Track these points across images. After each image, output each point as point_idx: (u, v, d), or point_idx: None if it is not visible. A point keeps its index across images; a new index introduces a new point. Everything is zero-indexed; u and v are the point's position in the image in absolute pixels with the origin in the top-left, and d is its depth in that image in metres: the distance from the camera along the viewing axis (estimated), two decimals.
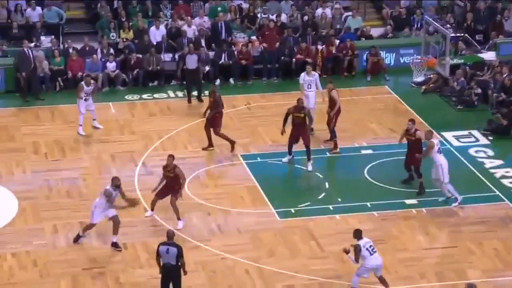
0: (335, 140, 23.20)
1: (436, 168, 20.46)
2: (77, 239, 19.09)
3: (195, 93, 26.49)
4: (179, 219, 19.74)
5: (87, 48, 27.82)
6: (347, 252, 16.85)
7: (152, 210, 20.14)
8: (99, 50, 27.75)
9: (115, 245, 18.90)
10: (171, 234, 16.76)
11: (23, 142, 23.81)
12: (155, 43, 28.30)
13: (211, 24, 29.20)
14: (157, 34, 28.69)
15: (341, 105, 23.41)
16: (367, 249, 16.86)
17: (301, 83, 24.23)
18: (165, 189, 19.85)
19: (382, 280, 17.19)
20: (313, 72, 24.64)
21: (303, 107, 22.35)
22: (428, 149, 20.47)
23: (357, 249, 16.75)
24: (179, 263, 16.41)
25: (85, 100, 23.93)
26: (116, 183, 18.80)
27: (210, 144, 23.23)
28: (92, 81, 24.42)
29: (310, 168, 22.18)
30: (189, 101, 26.30)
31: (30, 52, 26.38)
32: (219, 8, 29.64)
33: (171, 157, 19.81)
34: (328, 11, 30.12)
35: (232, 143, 23.11)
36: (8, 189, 21.32)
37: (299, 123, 22.14)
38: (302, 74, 24.45)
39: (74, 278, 17.67)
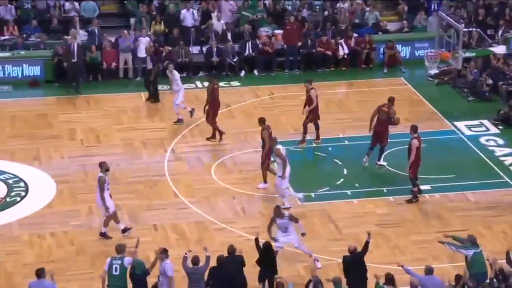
0: (304, 136, 22.84)
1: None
2: (124, 231, 18.72)
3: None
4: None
5: (120, 39, 27.71)
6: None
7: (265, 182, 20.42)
8: (132, 33, 27.60)
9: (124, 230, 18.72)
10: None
11: (61, 129, 23.92)
12: (187, 25, 28.29)
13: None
14: (187, 17, 28.61)
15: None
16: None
17: (176, 79, 23.91)
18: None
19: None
20: (174, 71, 24.07)
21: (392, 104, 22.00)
22: (278, 155, 19.85)
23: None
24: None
25: None
26: (106, 168, 18.55)
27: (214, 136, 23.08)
28: None
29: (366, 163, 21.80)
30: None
31: (75, 47, 26.16)
32: (249, 2, 29.61)
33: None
34: (346, 6, 30.00)
35: (221, 133, 22.91)
36: (47, 173, 21.47)
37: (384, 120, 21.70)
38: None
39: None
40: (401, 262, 15.86)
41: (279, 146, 19.95)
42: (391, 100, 22.00)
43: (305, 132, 22.81)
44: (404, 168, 20.53)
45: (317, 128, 22.86)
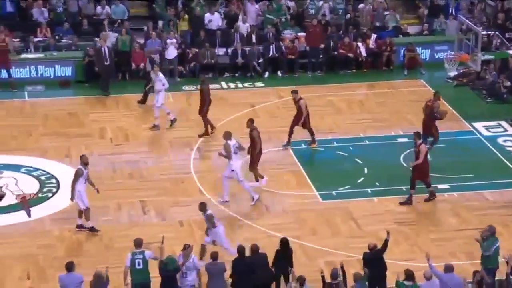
0: (313, 137, 22.73)
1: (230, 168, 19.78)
2: (79, 227, 18.83)
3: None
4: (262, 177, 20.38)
5: (148, 41, 27.79)
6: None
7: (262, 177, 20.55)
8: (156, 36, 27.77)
9: (92, 229, 18.83)
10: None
11: (91, 128, 24.06)
12: (210, 27, 28.45)
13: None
14: (213, 19, 28.71)
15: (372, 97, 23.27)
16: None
17: (160, 79, 23.76)
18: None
19: None
20: (159, 72, 24.03)
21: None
22: (225, 150, 19.66)
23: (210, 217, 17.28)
24: None
25: None
26: (84, 161, 18.64)
27: (207, 132, 23.32)
28: None
29: None
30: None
31: (106, 50, 26.25)
32: (274, 5, 29.63)
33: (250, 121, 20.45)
34: (368, 8, 29.96)
35: (206, 133, 23.20)
36: None
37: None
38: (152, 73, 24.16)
39: None
40: (428, 254, 15.74)
41: (230, 142, 19.87)
42: (435, 94, 22.04)
43: (312, 133, 22.71)
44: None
45: (290, 134, 22.64)
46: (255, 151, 20.54)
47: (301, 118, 22.36)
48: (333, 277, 15.30)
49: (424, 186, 20.14)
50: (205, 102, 23.23)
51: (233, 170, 19.72)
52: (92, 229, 18.84)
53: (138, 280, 15.67)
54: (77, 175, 18.56)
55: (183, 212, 19.71)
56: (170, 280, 15.58)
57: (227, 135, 20.03)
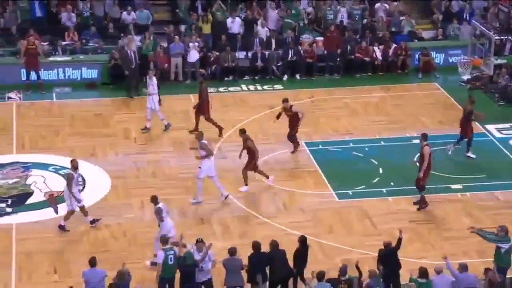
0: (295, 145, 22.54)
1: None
2: (92, 222, 18.91)
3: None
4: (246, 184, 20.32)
5: (171, 44, 27.89)
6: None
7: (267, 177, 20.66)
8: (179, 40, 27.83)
9: (92, 222, 18.96)
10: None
11: (116, 128, 24.18)
12: (232, 31, 28.57)
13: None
14: (234, 24, 28.82)
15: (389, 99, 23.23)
16: (167, 211, 17.23)
17: (153, 84, 23.56)
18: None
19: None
20: (154, 77, 23.85)
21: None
22: (204, 149, 19.58)
23: (159, 211, 17.14)
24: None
25: None
26: (74, 165, 18.61)
27: (221, 131, 23.33)
28: None
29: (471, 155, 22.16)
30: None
31: (132, 54, 26.25)
32: (293, 11, 29.68)
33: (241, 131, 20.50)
34: (386, 6, 29.91)
35: (220, 129, 23.23)
36: (103, 169, 21.73)
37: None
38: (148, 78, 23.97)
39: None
40: (445, 255, 15.75)
41: (205, 141, 19.98)
42: (469, 98, 22.23)
43: (295, 141, 22.54)
44: (436, 168, 20.43)
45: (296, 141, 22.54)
46: (254, 159, 20.50)
47: (298, 123, 22.22)
48: (342, 273, 15.30)
49: (428, 186, 20.01)
50: (203, 102, 23.21)
51: (200, 168, 19.76)
52: (63, 228, 18.77)
53: (169, 274, 15.82)
54: (70, 180, 18.51)
55: (204, 210, 19.76)
56: (188, 274, 15.67)
57: (200, 135, 20.18)
